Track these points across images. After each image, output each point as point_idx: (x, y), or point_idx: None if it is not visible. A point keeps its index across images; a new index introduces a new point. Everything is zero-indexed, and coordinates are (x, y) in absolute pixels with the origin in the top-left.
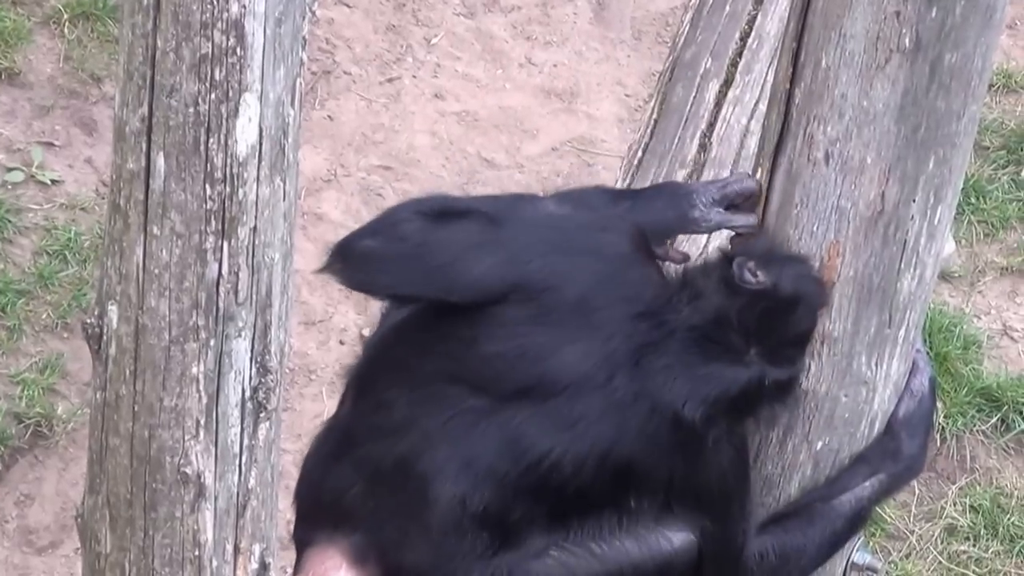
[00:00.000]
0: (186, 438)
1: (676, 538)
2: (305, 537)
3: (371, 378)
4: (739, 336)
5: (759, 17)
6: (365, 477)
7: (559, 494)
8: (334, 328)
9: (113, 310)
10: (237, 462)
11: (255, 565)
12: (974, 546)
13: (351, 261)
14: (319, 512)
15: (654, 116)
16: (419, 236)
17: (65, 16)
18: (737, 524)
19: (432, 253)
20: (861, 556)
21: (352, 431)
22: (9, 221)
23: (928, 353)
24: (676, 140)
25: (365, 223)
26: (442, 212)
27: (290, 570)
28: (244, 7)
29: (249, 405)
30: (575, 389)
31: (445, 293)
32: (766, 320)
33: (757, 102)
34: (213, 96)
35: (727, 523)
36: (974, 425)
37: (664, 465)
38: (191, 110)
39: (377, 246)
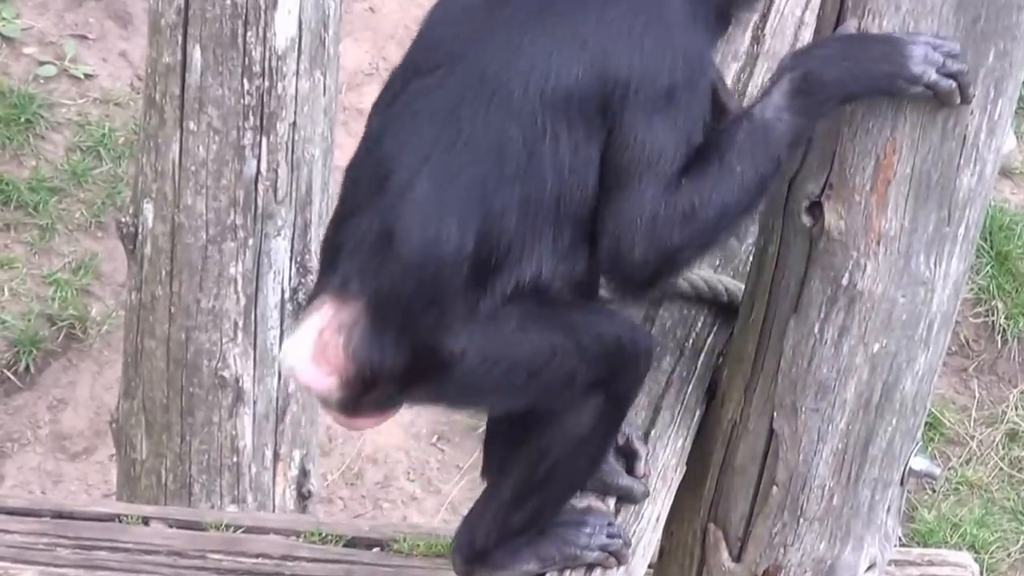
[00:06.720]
0: (224, 340)
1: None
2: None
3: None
4: None
5: None
6: (356, 236)
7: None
8: None
9: (149, 208)
10: (277, 365)
11: (295, 471)
12: None
13: None
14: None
15: None
16: None
17: None
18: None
19: None
20: (919, 462)
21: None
22: (41, 116)
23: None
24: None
25: None
26: None
27: (331, 477)
28: None
29: (289, 306)
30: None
31: None
32: None
33: None
34: None
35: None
36: None
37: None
38: (228, 2)
39: None
